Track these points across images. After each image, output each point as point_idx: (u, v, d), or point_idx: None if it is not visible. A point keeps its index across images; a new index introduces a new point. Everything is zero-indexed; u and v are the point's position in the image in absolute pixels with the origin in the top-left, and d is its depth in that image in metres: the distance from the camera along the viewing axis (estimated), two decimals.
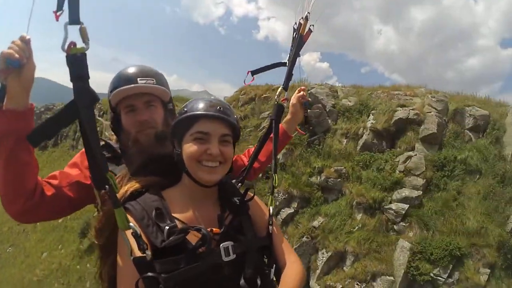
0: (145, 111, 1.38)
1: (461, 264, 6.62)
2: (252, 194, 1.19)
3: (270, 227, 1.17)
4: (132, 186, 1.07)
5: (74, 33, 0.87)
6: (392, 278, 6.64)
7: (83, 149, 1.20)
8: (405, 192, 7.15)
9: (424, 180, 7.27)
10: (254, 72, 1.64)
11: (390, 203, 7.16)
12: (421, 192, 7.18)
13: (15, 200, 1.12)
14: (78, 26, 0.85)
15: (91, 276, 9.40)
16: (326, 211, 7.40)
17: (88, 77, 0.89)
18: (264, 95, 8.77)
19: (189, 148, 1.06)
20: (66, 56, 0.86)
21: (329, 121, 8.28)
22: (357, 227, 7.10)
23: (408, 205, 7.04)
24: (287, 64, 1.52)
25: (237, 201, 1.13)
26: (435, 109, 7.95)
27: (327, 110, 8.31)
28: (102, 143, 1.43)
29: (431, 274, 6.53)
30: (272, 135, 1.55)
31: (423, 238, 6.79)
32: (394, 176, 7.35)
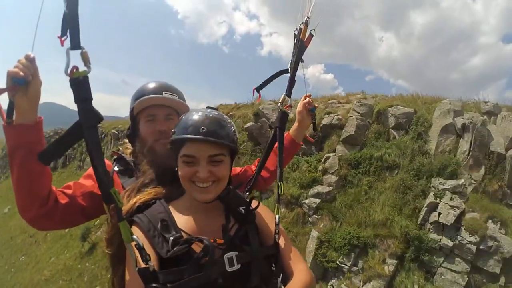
0: (164, 122, 1.42)
1: (365, 254, 7.01)
2: (256, 203, 1.17)
3: (277, 236, 1.15)
4: (140, 198, 1.10)
5: (78, 57, 0.86)
6: None
7: None
8: (318, 188, 7.97)
9: (337, 177, 7.94)
10: (258, 89, 1.57)
11: (306, 198, 8.08)
12: (333, 188, 7.87)
13: (30, 207, 1.15)
14: (79, 51, 0.90)
15: (89, 272, 11.17)
16: None
17: (91, 99, 0.94)
18: (230, 113, 10.82)
19: (181, 170, 1.07)
20: (70, 80, 0.91)
21: (272, 132, 9.69)
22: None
23: (319, 200, 7.83)
24: (289, 71, 1.49)
25: (242, 210, 1.12)
26: (358, 113, 8.49)
27: (270, 123, 9.82)
28: (115, 156, 1.49)
29: (337, 262, 7.13)
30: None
31: (330, 228, 7.45)
32: (312, 175, 8.26)
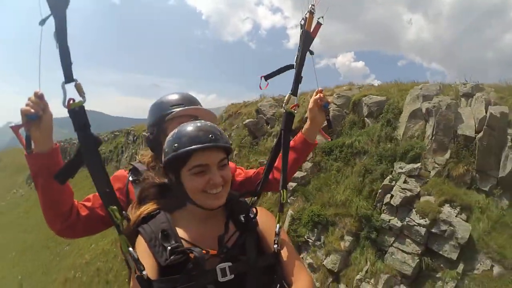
0: None
1: (326, 230, 7.72)
2: (255, 211, 1.16)
3: (275, 246, 1.12)
4: (144, 210, 1.15)
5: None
6: None
7: (116, 173, 1.52)
8: (295, 173, 8.93)
9: (312, 163, 8.71)
10: (267, 77, 1.48)
11: None
12: (307, 173, 8.67)
13: (55, 221, 1.28)
14: (73, 83, 0.99)
15: (120, 253, 13.98)
16: None
17: (89, 126, 1.03)
18: (238, 111, 12.37)
19: (191, 182, 1.06)
20: (68, 111, 1.00)
21: (268, 126, 10.89)
22: (264, 202, 9.55)
23: (296, 183, 8.76)
24: (295, 66, 1.39)
25: (242, 219, 1.13)
26: (336, 104, 8.94)
27: (266, 118, 11.03)
28: (129, 167, 1.55)
29: (305, 237, 8.06)
30: (293, 144, 1.49)
31: (302, 208, 8.34)
32: None
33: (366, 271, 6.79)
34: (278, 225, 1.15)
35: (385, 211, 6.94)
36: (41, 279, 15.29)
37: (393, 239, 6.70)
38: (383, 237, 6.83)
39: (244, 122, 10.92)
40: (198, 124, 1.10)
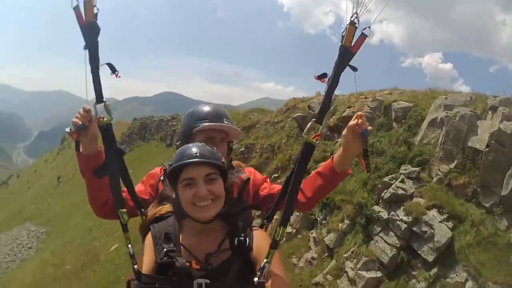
0: (220, 145, 1.68)
1: (332, 212, 9.07)
2: (247, 239, 1.21)
3: (256, 279, 1.14)
4: (159, 211, 1.34)
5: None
6: (297, 213, 10.35)
7: (152, 170, 1.77)
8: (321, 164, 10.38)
9: None
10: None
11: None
12: None
13: (94, 208, 1.61)
14: (102, 104, 1.28)
15: None
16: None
17: (115, 140, 1.36)
18: (296, 105, 13.65)
19: (182, 194, 1.21)
20: (98, 127, 1.34)
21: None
22: None
23: None
24: (325, 89, 1.25)
25: (236, 242, 1.19)
26: (369, 107, 9.71)
27: (313, 114, 12.34)
28: (163, 167, 1.67)
29: (315, 215, 9.65)
30: (321, 170, 1.48)
31: None
32: (324, 154, 10.61)
33: (352, 252, 7.94)
34: (265, 260, 1.16)
35: (380, 204, 7.82)
36: (107, 228, 18.80)
37: (380, 229, 7.59)
38: (373, 226, 7.79)
39: (294, 116, 12.82)
40: (191, 144, 1.29)
